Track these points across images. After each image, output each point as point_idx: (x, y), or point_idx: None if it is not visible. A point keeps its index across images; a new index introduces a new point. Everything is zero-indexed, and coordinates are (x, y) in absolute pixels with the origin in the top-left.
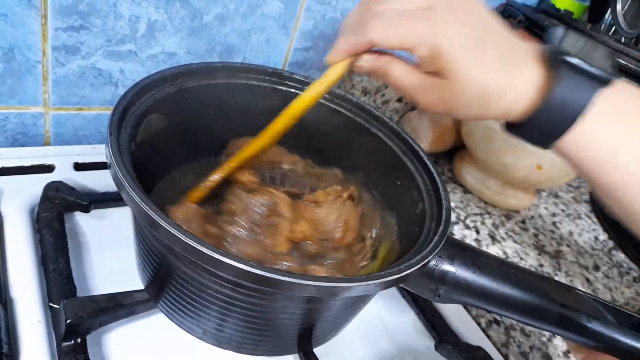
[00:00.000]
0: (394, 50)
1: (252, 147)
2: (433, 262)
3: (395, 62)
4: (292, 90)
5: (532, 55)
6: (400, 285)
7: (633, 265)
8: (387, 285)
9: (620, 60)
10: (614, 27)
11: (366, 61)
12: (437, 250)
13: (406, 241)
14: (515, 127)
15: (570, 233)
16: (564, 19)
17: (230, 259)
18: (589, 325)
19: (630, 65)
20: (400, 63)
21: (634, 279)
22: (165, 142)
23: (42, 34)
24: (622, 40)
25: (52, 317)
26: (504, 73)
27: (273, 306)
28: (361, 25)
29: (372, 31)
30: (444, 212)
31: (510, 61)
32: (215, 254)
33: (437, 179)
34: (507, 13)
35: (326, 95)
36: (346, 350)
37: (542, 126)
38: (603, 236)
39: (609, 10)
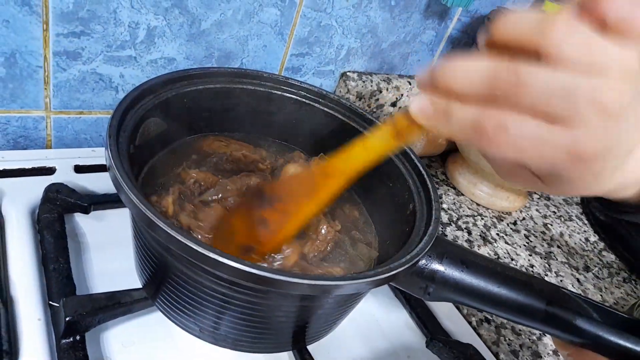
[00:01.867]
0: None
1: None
2: (423, 261)
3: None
4: (288, 95)
5: None
6: (391, 283)
7: (623, 266)
8: (377, 284)
9: None
10: None
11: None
12: (426, 249)
13: (397, 241)
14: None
15: (561, 234)
16: None
17: (227, 258)
18: (574, 322)
19: None
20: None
21: (624, 280)
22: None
23: (44, 39)
24: None
25: (52, 315)
26: None
27: (268, 304)
28: (484, 118)
29: (494, 141)
30: (433, 212)
31: None
32: (211, 254)
33: (428, 180)
34: None
35: (320, 100)
36: (339, 347)
37: None
38: (594, 237)
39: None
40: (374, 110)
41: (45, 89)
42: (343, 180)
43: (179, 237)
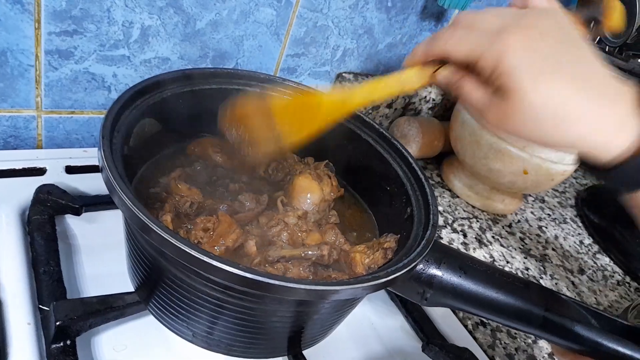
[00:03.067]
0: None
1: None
2: (420, 266)
3: (467, 78)
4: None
5: (631, 100)
6: (388, 288)
7: (617, 269)
8: (374, 289)
9: None
10: (598, 37)
11: (444, 77)
12: (424, 254)
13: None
14: (595, 166)
15: (556, 237)
16: None
17: (221, 262)
18: (572, 328)
19: (614, 73)
20: (470, 79)
21: (618, 283)
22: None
23: (36, 38)
24: (607, 49)
25: (42, 319)
26: (585, 100)
27: (263, 309)
28: (434, 35)
29: (445, 41)
30: (431, 217)
31: (597, 92)
32: (205, 257)
33: (426, 184)
34: None
35: None
36: (335, 352)
37: (632, 175)
38: (588, 240)
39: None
40: (370, 111)
41: (37, 88)
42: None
43: (173, 240)
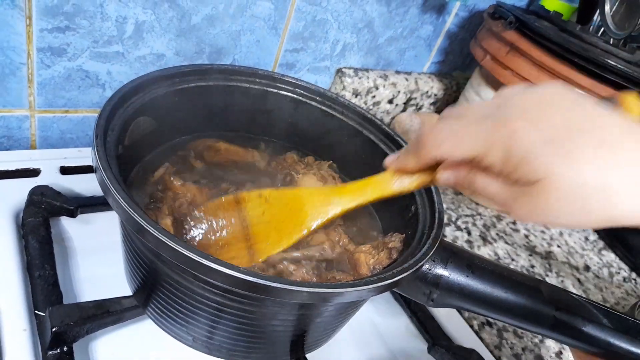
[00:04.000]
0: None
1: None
2: (426, 266)
3: (476, 174)
4: (283, 92)
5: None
6: (394, 289)
7: (623, 265)
8: (380, 291)
9: (609, 61)
10: (602, 29)
11: (446, 179)
12: (430, 254)
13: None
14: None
15: (561, 233)
16: (554, 20)
17: (220, 265)
18: (584, 329)
19: (619, 66)
20: (480, 174)
21: (624, 279)
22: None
23: (27, 35)
24: (611, 42)
25: (38, 325)
26: (623, 162)
27: (264, 313)
28: (420, 140)
29: (437, 144)
30: (436, 215)
31: (630, 150)
32: (203, 260)
33: None
34: (498, 14)
35: (317, 98)
36: (339, 355)
37: None
38: (593, 236)
39: (598, 11)
40: (370, 107)
41: (29, 86)
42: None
43: (170, 243)
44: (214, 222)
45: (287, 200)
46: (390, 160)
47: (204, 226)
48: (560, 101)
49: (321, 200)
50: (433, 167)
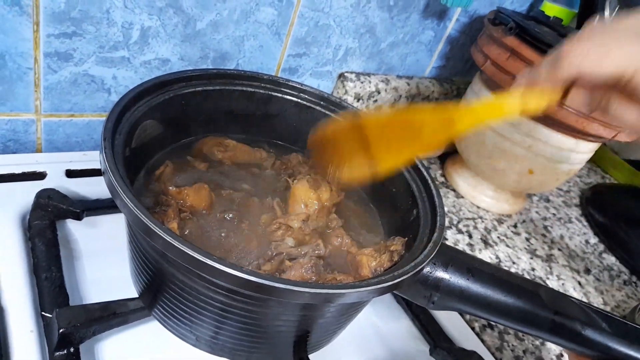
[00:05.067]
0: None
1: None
2: (427, 269)
3: (613, 98)
4: (288, 97)
5: None
6: (395, 292)
7: (623, 269)
8: (380, 292)
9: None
10: None
11: (579, 102)
12: (431, 257)
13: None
14: None
15: (562, 237)
16: (554, 26)
17: (226, 266)
18: (582, 332)
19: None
20: (619, 99)
21: (624, 282)
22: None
23: (34, 40)
24: None
25: (45, 327)
26: None
27: (268, 313)
28: (561, 52)
29: (579, 59)
30: (438, 218)
31: None
32: (210, 261)
33: (432, 185)
34: (498, 20)
35: (322, 102)
36: (341, 356)
37: None
38: (594, 239)
39: (597, 17)
40: (372, 110)
41: (36, 91)
42: (459, 129)
43: (177, 244)
44: None
45: (404, 123)
46: (521, 76)
47: None
48: None
49: (441, 121)
50: (562, 90)
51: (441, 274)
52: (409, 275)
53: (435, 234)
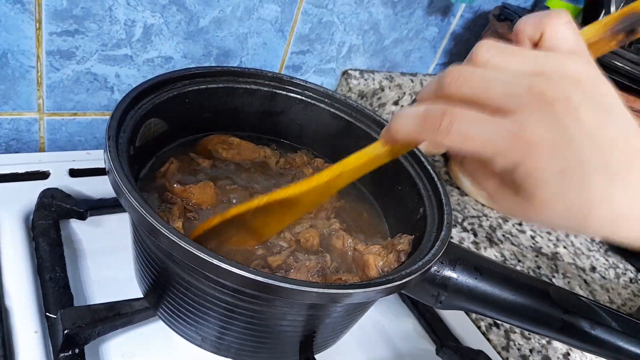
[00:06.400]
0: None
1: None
2: (434, 268)
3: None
4: (292, 95)
5: None
6: (402, 291)
7: (629, 267)
8: (388, 292)
9: (615, 63)
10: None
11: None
12: (438, 256)
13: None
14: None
15: (567, 234)
16: None
17: (231, 265)
18: (592, 332)
19: (626, 67)
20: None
21: (630, 280)
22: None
23: (37, 38)
24: None
25: (49, 327)
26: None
27: (274, 313)
28: (435, 115)
29: (446, 133)
30: (445, 217)
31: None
32: (215, 261)
33: (438, 183)
34: (503, 15)
35: (326, 100)
36: (347, 356)
37: None
38: (598, 237)
39: (603, 12)
40: (376, 109)
41: (38, 89)
42: (334, 187)
43: (182, 244)
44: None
45: (283, 203)
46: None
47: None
48: (588, 107)
49: (317, 193)
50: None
51: (449, 272)
52: (417, 274)
53: (443, 233)
